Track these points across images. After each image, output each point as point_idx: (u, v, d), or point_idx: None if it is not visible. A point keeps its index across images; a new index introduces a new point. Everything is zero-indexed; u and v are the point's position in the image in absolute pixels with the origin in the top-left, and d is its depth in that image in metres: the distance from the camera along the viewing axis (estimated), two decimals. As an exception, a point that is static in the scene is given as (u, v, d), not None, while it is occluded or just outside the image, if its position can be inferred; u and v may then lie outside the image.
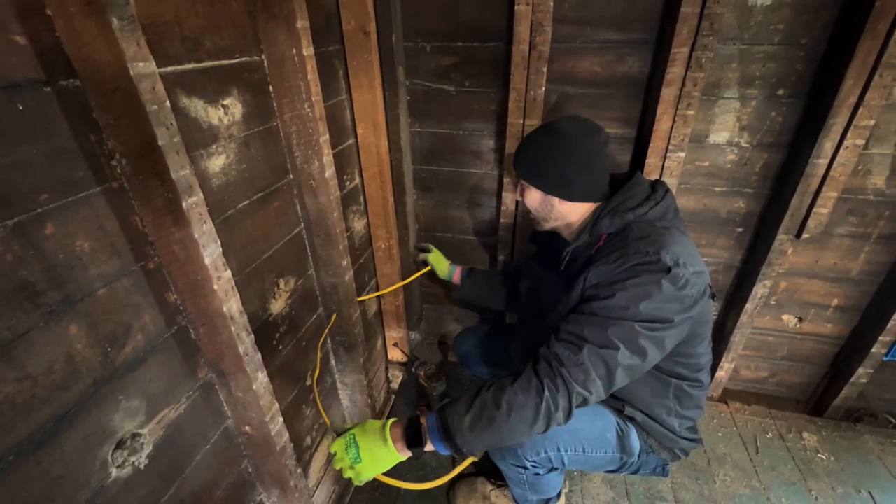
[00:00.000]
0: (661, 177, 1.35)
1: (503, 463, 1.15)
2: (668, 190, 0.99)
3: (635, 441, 1.08)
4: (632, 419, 1.07)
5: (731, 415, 1.70)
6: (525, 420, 0.80)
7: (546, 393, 0.80)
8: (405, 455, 0.86)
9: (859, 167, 1.30)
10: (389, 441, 0.85)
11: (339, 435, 0.89)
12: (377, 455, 0.84)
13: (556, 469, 1.13)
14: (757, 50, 1.21)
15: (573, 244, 1.01)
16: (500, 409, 0.81)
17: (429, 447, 0.85)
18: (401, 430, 0.86)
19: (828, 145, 1.22)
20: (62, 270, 0.58)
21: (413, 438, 0.85)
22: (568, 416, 0.82)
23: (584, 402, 0.83)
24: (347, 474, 0.86)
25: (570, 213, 1.04)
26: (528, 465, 1.10)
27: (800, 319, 1.60)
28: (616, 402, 1.08)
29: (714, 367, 1.68)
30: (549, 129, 1.00)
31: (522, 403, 0.80)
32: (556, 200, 1.02)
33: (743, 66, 1.24)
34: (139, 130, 0.60)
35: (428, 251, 1.63)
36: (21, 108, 0.52)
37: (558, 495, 1.26)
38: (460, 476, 1.47)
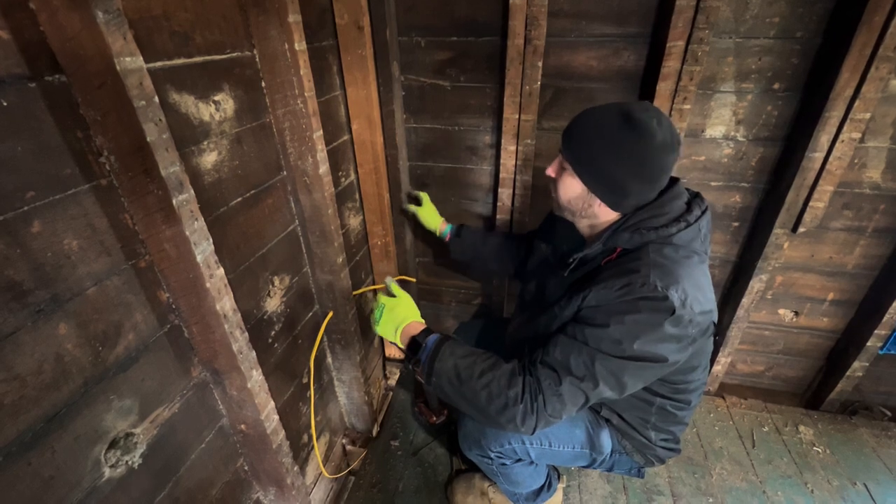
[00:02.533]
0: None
1: (470, 454, 1.18)
2: (706, 210, 0.87)
3: (606, 440, 1.08)
4: (607, 420, 1.07)
5: (728, 409, 1.70)
6: (488, 407, 0.84)
7: (520, 406, 0.82)
8: (401, 344, 0.98)
9: (855, 161, 1.30)
10: (400, 330, 0.97)
11: (386, 294, 1.03)
12: (387, 331, 0.99)
13: (523, 461, 1.14)
14: (753, 43, 1.21)
15: (584, 252, 0.91)
16: (480, 380, 0.85)
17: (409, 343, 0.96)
18: (410, 335, 0.96)
19: (824, 139, 1.22)
20: (50, 269, 0.57)
21: (411, 349, 0.95)
22: (531, 431, 0.83)
23: (547, 422, 0.83)
24: (374, 315, 1.02)
25: (603, 215, 0.91)
26: (493, 455, 1.11)
27: (796, 313, 1.61)
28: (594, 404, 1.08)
29: (711, 362, 1.68)
30: (631, 121, 0.79)
31: (497, 394, 0.83)
32: (597, 203, 0.88)
33: (739, 59, 1.23)
34: (127, 127, 0.59)
35: (419, 202, 1.50)
36: (4, 104, 0.51)
37: (548, 486, 1.27)
38: (459, 472, 1.47)
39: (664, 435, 1.06)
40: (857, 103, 1.15)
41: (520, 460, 1.13)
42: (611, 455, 1.10)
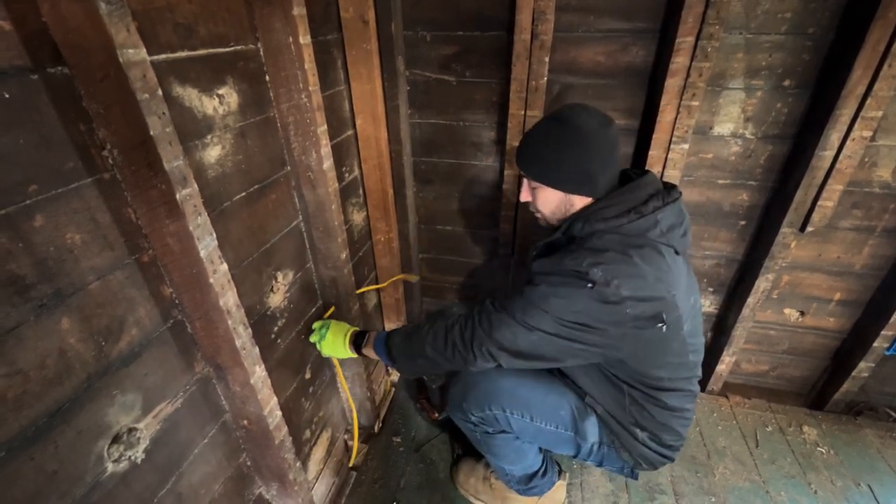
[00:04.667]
0: (664, 168, 1.33)
1: (454, 417, 1.22)
2: (668, 203, 0.90)
3: (592, 428, 1.08)
4: (593, 409, 1.08)
5: (732, 408, 1.70)
6: (434, 342, 0.99)
7: (457, 325, 0.97)
8: (352, 352, 1.15)
9: (866, 159, 1.28)
10: (347, 340, 1.15)
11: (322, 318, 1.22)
12: (335, 344, 1.15)
13: (507, 433, 1.14)
14: (764, 39, 1.19)
15: (547, 239, 1.00)
16: (423, 328, 1.03)
17: (368, 352, 1.12)
18: (353, 336, 1.15)
19: (834, 137, 1.20)
20: (53, 263, 0.57)
21: (356, 341, 1.14)
22: (470, 345, 0.94)
23: (488, 356, 0.94)
24: (313, 339, 1.18)
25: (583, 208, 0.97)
26: (474, 419, 1.14)
27: (802, 313, 1.59)
28: (579, 390, 1.09)
29: (715, 361, 1.68)
30: (564, 123, 0.90)
31: (438, 328, 1.00)
32: (577, 198, 0.95)
33: (749, 55, 1.21)
34: (130, 120, 0.58)
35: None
36: (6, 96, 0.51)
37: (543, 473, 1.27)
38: (464, 456, 1.49)
39: (649, 434, 1.04)
40: (869, 101, 1.13)
41: (503, 431, 1.14)
42: (599, 446, 1.09)
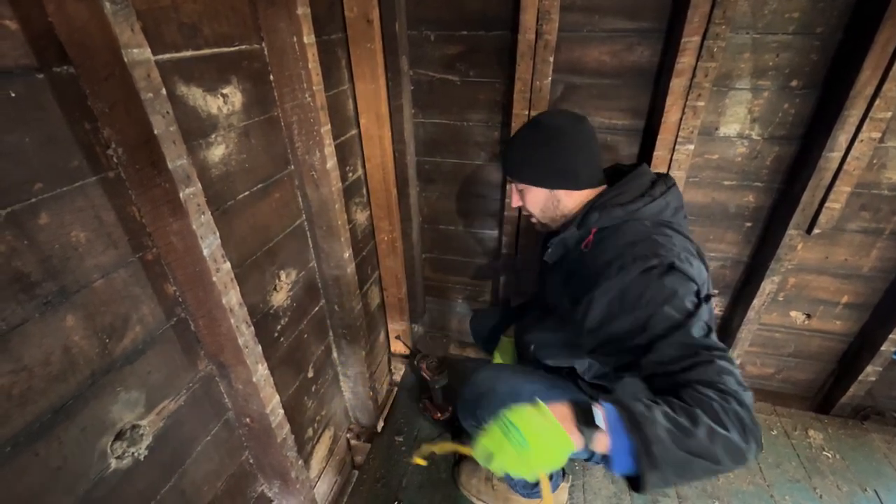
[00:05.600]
0: (668, 170, 1.32)
1: (466, 424, 1.19)
2: (671, 187, 0.95)
3: None
4: None
5: (736, 411, 1.68)
6: (727, 439, 0.64)
7: (724, 404, 0.66)
8: (578, 439, 0.68)
9: (874, 161, 1.26)
10: (555, 419, 0.68)
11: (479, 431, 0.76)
12: (547, 439, 0.67)
13: None
14: (771, 39, 1.18)
15: (560, 235, 0.99)
16: (696, 424, 0.64)
17: (601, 442, 0.67)
18: (567, 409, 0.71)
19: (842, 138, 1.19)
20: (57, 261, 0.57)
21: (584, 418, 0.69)
22: (753, 423, 0.66)
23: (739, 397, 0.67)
24: (510, 467, 0.68)
25: (571, 203, 1.01)
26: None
27: (808, 316, 1.58)
28: (593, 393, 1.07)
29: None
30: (539, 126, 0.98)
31: (718, 420, 0.65)
32: (562, 194, 1.00)
33: (756, 55, 1.20)
34: (134, 119, 0.59)
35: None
36: (13, 94, 0.51)
37: (549, 477, 1.26)
38: (463, 457, 1.48)
39: None
40: (877, 102, 1.12)
41: None
42: None
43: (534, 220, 1.09)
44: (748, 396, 0.68)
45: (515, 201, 1.08)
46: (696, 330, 0.73)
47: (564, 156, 0.96)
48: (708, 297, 0.82)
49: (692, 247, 0.89)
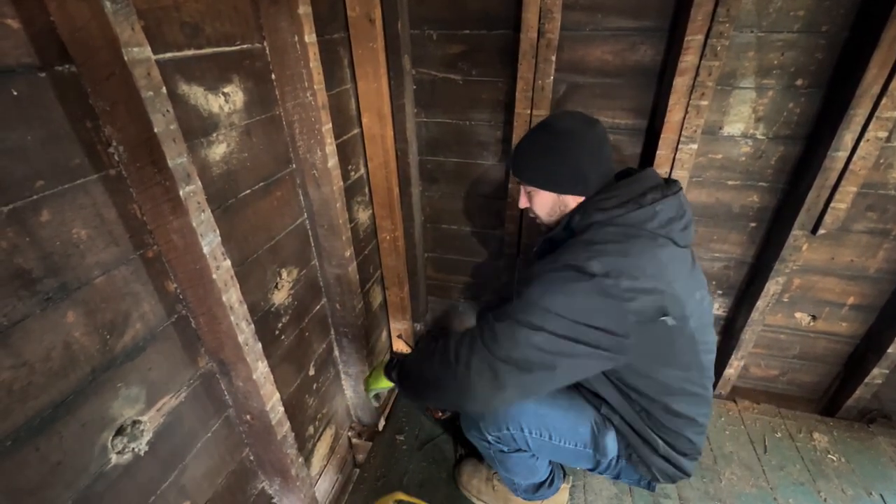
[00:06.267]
0: (671, 169, 1.31)
1: (469, 435, 1.18)
2: (666, 196, 0.89)
3: (612, 443, 1.05)
4: (610, 420, 1.04)
5: (740, 413, 1.67)
6: (436, 362, 0.93)
7: (452, 343, 0.91)
8: (388, 381, 1.11)
9: (881, 160, 1.25)
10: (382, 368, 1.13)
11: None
12: (377, 377, 1.14)
13: (524, 451, 1.12)
14: (775, 37, 1.17)
15: (548, 235, 1.01)
16: (429, 346, 0.97)
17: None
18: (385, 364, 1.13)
19: (848, 137, 1.17)
20: (59, 258, 0.58)
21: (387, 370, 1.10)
22: (467, 367, 0.87)
23: (489, 374, 0.86)
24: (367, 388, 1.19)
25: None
26: (490, 439, 1.11)
27: (813, 317, 1.56)
28: (595, 400, 1.06)
29: (723, 365, 1.65)
30: (550, 129, 0.96)
31: (440, 346, 0.94)
32: (570, 199, 0.98)
33: (760, 54, 1.19)
34: (135, 117, 0.59)
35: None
36: (15, 93, 0.52)
37: (550, 482, 1.26)
38: (467, 456, 1.49)
39: (665, 443, 1.01)
40: (884, 101, 1.10)
41: (519, 450, 1.12)
42: (616, 461, 1.07)
43: (539, 220, 1.07)
44: (475, 358, 0.87)
45: (523, 202, 1.07)
46: (519, 313, 0.86)
47: (574, 161, 0.94)
48: (583, 323, 0.82)
49: (665, 268, 0.84)
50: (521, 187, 1.05)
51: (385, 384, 1.13)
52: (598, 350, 0.84)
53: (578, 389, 1.10)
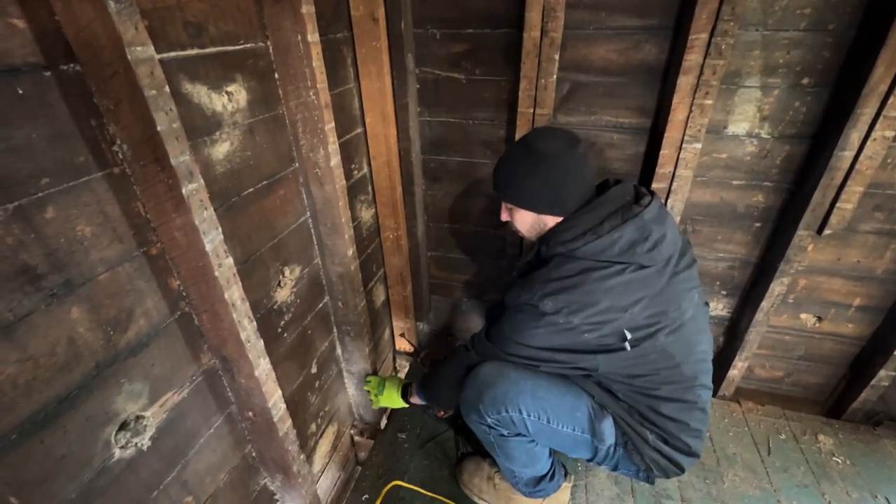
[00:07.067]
0: (675, 168, 1.30)
1: (468, 420, 1.19)
2: (626, 220, 0.91)
3: (609, 429, 1.06)
4: (605, 407, 1.06)
5: (744, 414, 1.66)
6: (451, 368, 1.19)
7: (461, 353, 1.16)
8: (405, 403, 1.41)
9: (888, 160, 1.23)
10: (399, 392, 1.41)
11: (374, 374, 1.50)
12: (391, 397, 1.43)
13: (523, 436, 1.13)
14: (781, 36, 1.16)
15: (524, 260, 1.10)
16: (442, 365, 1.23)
17: (415, 399, 1.37)
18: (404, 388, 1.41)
19: (854, 137, 1.16)
20: (63, 254, 0.59)
21: (405, 392, 1.40)
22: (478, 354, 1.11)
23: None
24: (372, 398, 1.47)
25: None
26: (490, 421, 1.12)
27: (819, 319, 1.55)
28: (590, 388, 1.07)
29: (727, 366, 1.64)
30: (531, 149, 0.97)
31: (449, 361, 1.21)
32: (549, 218, 1.00)
33: (766, 53, 1.18)
34: (138, 116, 0.60)
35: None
36: (21, 92, 0.53)
37: (551, 477, 1.26)
38: (469, 454, 1.49)
39: (658, 435, 1.02)
40: (891, 100, 1.09)
41: (518, 434, 1.13)
42: (615, 449, 1.08)
43: (519, 234, 1.11)
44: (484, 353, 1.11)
45: (504, 216, 1.11)
46: (496, 341, 1.08)
47: (553, 184, 0.96)
48: (548, 348, 0.98)
49: (602, 309, 0.89)
50: (502, 202, 1.09)
51: (398, 405, 1.38)
52: (566, 365, 1.00)
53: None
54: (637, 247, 0.90)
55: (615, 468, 1.13)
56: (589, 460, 1.14)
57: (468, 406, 1.17)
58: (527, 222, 1.04)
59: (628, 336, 0.90)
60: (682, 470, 1.06)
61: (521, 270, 1.12)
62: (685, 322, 0.96)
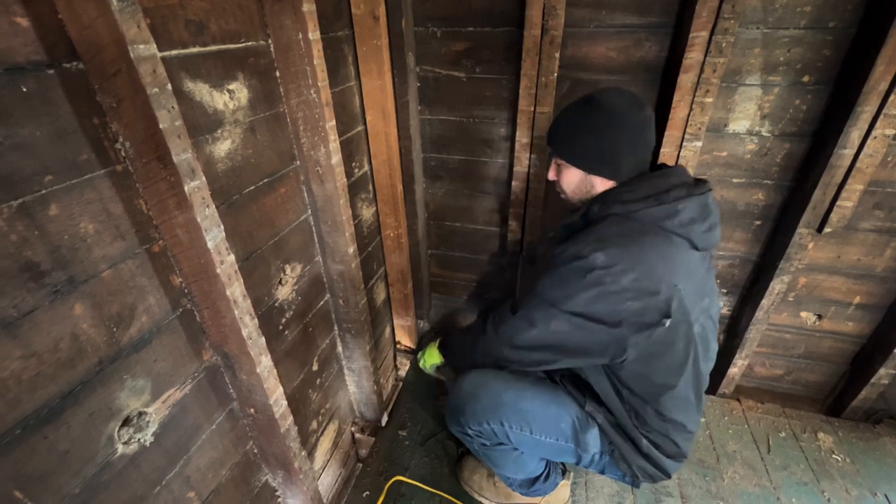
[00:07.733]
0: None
1: (452, 429, 1.21)
2: (692, 195, 0.87)
3: (594, 439, 1.05)
4: (594, 418, 1.05)
5: (744, 412, 1.66)
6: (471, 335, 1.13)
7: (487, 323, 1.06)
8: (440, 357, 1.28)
9: (888, 158, 1.23)
10: (436, 348, 1.29)
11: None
12: (432, 353, 1.30)
13: (504, 445, 1.13)
14: (782, 34, 1.16)
15: (565, 222, 1.01)
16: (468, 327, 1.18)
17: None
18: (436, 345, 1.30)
19: (855, 135, 1.16)
20: (66, 251, 0.59)
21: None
22: (495, 330, 1.03)
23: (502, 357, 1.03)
24: (420, 365, 1.34)
25: (604, 190, 0.97)
26: (471, 433, 1.13)
27: (819, 317, 1.55)
28: (580, 397, 1.07)
29: (727, 364, 1.65)
30: (594, 104, 0.90)
31: (472, 327, 1.16)
32: (597, 180, 0.95)
33: (766, 51, 1.18)
34: (141, 114, 0.60)
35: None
36: (24, 89, 0.53)
37: (545, 477, 1.26)
38: (468, 453, 1.49)
39: (650, 443, 1.01)
40: (892, 98, 1.09)
41: (501, 444, 1.13)
42: (600, 456, 1.07)
43: (563, 195, 1.04)
44: (502, 329, 1.02)
45: (551, 174, 1.04)
46: (535, 311, 0.95)
47: (611, 143, 0.90)
48: (584, 316, 0.87)
49: (656, 277, 0.82)
50: (553, 159, 1.02)
51: (437, 359, 1.28)
52: (596, 344, 0.90)
53: (563, 385, 1.11)
54: (696, 224, 0.87)
55: (602, 472, 1.14)
56: (575, 464, 1.15)
57: (451, 416, 1.18)
58: (573, 182, 0.98)
59: (670, 312, 0.83)
60: (668, 476, 1.06)
61: (560, 233, 1.04)
62: (711, 319, 0.96)
